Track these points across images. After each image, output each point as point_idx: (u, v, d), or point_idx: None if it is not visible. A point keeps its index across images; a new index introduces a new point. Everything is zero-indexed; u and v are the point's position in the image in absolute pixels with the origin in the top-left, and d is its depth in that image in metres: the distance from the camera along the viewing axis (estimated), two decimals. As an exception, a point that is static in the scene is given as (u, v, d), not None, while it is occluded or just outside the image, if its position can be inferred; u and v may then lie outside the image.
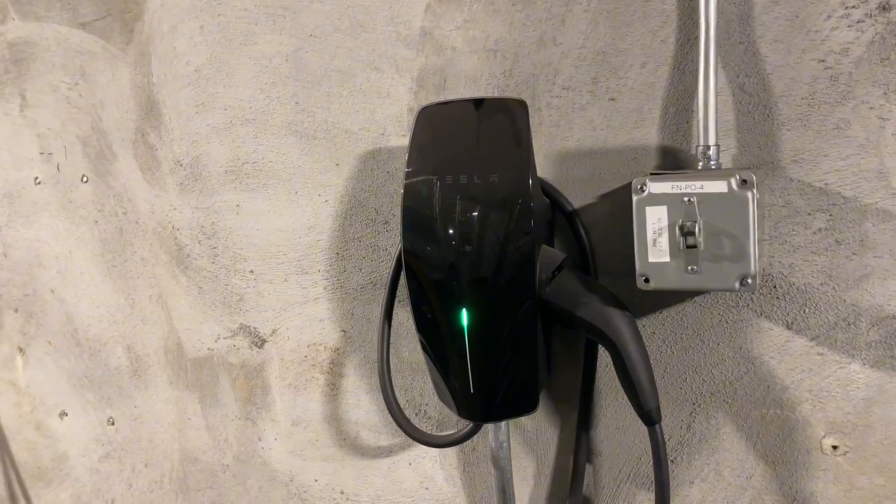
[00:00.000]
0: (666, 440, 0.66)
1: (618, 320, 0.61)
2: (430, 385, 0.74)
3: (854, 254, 0.61)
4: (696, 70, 0.61)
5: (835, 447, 0.64)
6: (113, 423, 1.10)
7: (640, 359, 0.61)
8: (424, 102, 0.76)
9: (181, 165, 0.95)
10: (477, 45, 0.73)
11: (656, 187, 0.58)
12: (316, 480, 0.93)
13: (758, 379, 0.66)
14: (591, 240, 0.69)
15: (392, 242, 0.82)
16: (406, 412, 0.76)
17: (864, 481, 0.64)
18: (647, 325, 0.69)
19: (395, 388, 0.77)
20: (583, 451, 0.72)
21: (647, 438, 0.71)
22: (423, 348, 0.68)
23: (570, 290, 0.63)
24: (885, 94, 0.58)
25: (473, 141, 0.64)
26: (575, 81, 0.69)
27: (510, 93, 0.73)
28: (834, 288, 0.62)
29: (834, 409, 0.64)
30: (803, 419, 0.65)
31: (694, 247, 0.57)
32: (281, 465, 0.95)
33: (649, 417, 0.62)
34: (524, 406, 0.66)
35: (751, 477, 0.68)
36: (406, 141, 0.77)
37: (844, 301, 0.62)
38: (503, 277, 0.62)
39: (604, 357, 0.72)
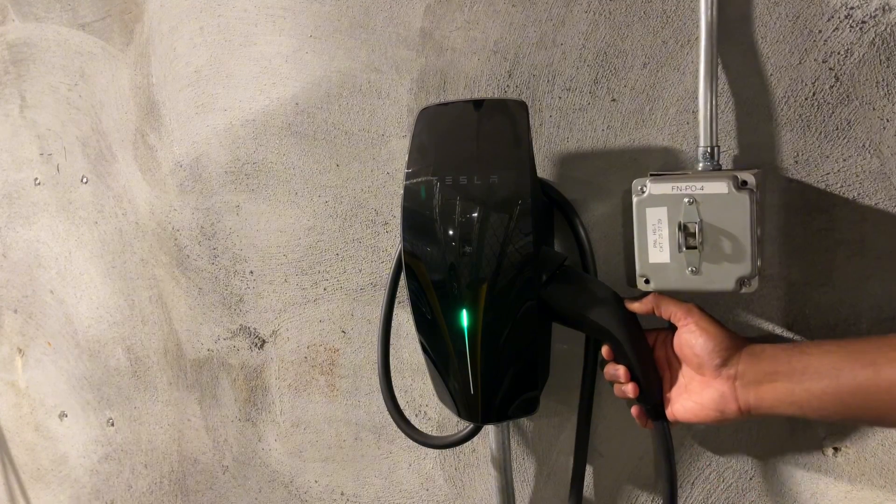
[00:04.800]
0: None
1: (622, 318, 0.61)
2: (431, 386, 0.73)
3: (855, 255, 0.61)
4: (697, 71, 0.61)
5: (836, 449, 0.64)
6: (112, 425, 1.10)
7: (645, 355, 0.62)
8: (424, 103, 0.76)
9: (181, 166, 0.95)
10: (477, 46, 0.73)
11: (657, 188, 0.58)
12: (316, 481, 0.93)
13: (758, 380, 0.65)
14: (591, 240, 0.69)
15: (392, 243, 0.82)
16: (406, 413, 0.76)
17: (865, 482, 0.63)
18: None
19: (395, 389, 0.77)
20: (583, 452, 0.72)
21: (648, 439, 0.71)
22: (424, 349, 0.68)
23: (573, 289, 0.63)
24: (887, 94, 0.58)
25: (473, 142, 0.64)
26: (575, 82, 0.69)
27: (510, 94, 0.72)
28: (834, 289, 0.62)
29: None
30: (804, 421, 0.65)
31: (694, 248, 0.57)
32: (281, 466, 0.95)
33: (657, 411, 0.62)
34: (524, 407, 0.66)
35: (752, 478, 0.68)
36: (406, 142, 0.77)
37: (845, 302, 0.61)
38: (503, 278, 0.62)
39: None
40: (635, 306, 0.62)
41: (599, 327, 0.62)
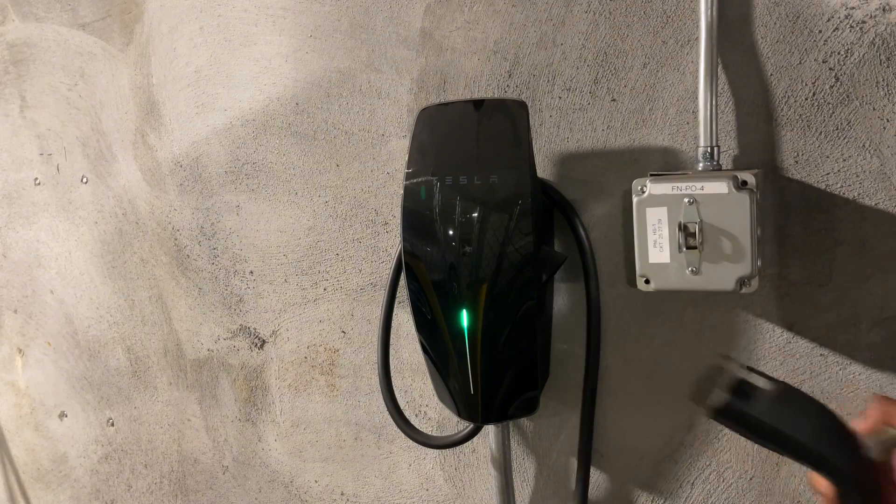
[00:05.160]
0: (669, 441, 0.65)
1: (854, 451, 0.49)
2: (431, 386, 0.73)
3: (855, 255, 0.60)
4: (697, 71, 0.61)
5: (836, 448, 0.64)
6: (112, 424, 1.10)
7: (877, 492, 0.49)
8: (424, 103, 0.76)
9: (181, 166, 0.95)
10: (477, 46, 0.73)
11: (657, 188, 0.58)
12: (316, 481, 0.93)
13: (759, 380, 0.65)
14: (591, 240, 0.69)
15: (392, 243, 0.82)
16: (406, 413, 0.76)
17: (866, 483, 0.63)
18: (647, 326, 0.69)
19: (395, 389, 0.77)
20: (584, 452, 0.72)
21: (648, 439, 0.71)
22: (424, 349, 0.68)
23: (792, 410, 0.51)
24: (887, 94, 0.58)
25: (473, 142, 0.64)
26: (575, 82, 0.69)
27: (510, 94, 0.72)
28: (835, 289, 0.62)
29: (835, 410, 0.63)
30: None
31: (694, 248, 0.57)
32: (281, 467, 0.95)
33: None
34: (525, 407, 0.66)
35: (752, 478, 0.68)
36: (406, 142, 0.77)
37: (845, 302, 0.61)
38: (503, 278, 0.62)
39: (604, 359, 0.71)
40: (863, 426, 0.48)
41: (824, 460, 0.49)
